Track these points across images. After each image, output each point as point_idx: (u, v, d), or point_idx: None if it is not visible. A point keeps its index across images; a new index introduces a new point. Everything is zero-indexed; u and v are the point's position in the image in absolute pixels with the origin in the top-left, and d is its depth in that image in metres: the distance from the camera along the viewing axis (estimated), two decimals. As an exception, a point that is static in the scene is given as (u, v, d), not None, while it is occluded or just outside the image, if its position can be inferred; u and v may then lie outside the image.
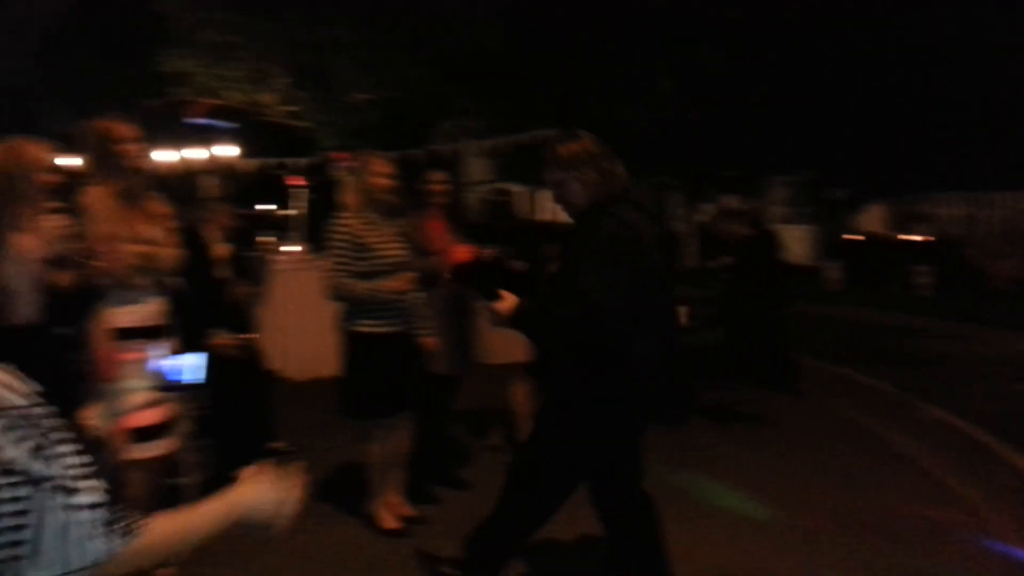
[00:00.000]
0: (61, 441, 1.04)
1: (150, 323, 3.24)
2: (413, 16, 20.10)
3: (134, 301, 3.21)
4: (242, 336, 4.25)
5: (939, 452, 5.49)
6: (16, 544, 0.99)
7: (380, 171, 3.91)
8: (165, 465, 3.54)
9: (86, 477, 1.05)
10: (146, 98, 15.47)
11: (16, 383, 1.06)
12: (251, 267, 6.07)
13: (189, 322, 3.48)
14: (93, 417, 3.01)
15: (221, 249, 5.26)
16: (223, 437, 4.22)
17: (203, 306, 3.97)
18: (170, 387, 1.52)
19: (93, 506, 1.05)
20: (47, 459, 1.01)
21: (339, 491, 4.47)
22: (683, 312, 6.00)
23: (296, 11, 19.87)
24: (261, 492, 1.41)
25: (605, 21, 16.82)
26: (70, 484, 1.03)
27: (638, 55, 16.50)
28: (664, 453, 5.34)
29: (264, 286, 6.94)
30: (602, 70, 17.01)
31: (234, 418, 4.17)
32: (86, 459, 1.07)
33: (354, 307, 3.90)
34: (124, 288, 3.17)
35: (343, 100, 21.45)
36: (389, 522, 4.00)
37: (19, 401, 1.04)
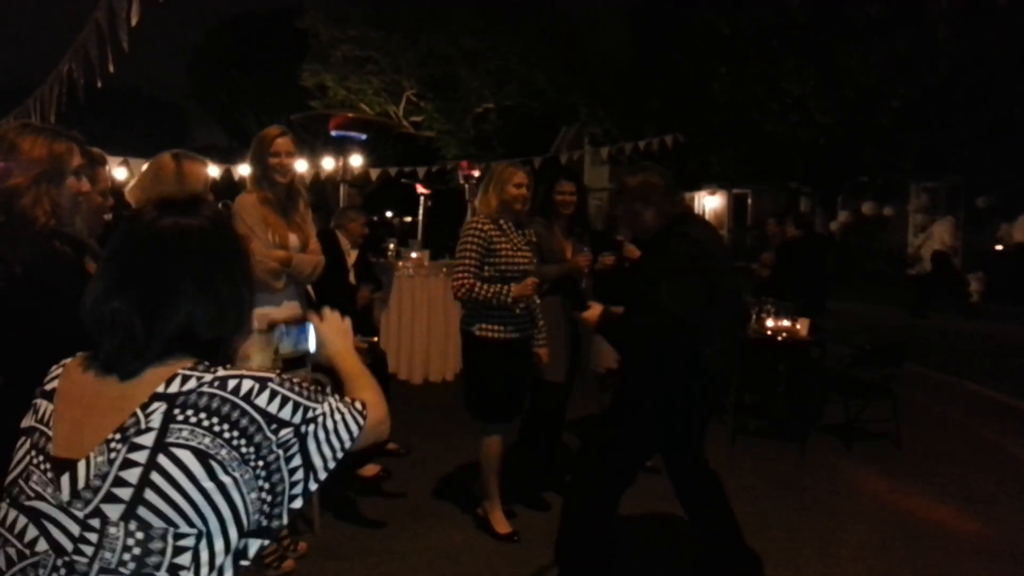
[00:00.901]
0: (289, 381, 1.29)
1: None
2: (539, 25, 20.32)
3: (273, 304, 3.43)
4: (367, 339, 4.44)
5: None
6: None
7: (515, 180, 3.99)
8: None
9: (314, 392, 1.30)
10: (287, 110, 16.31)
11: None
12: (377, 273, 6.34)
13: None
14: None
15: (351, 255, 5.52)
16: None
17: (338, 311, 4.18)
18: (290, 353, 1.69)
19: (332, 409, 1.31)
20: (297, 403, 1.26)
21: (452, 494, 4.59)
22: (804, 324, 5.85)
23: (427, 23, 20.46)
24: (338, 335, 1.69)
25: (735, 23, 16.43)
26: (313, 404, 1.28)
27: (764, 59, 16.01)
28: (786, 471, 5.22)
29: (388, 291, 7.22)
30: (729, 75, 16.61)
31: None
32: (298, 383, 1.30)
33: (475, 311, 3.99)
34: (264, 291, 3.39)
35: (468, 109, 21.92)
36: (502, 526, 4.06)
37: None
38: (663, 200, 3.25)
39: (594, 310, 3.32)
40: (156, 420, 1.16)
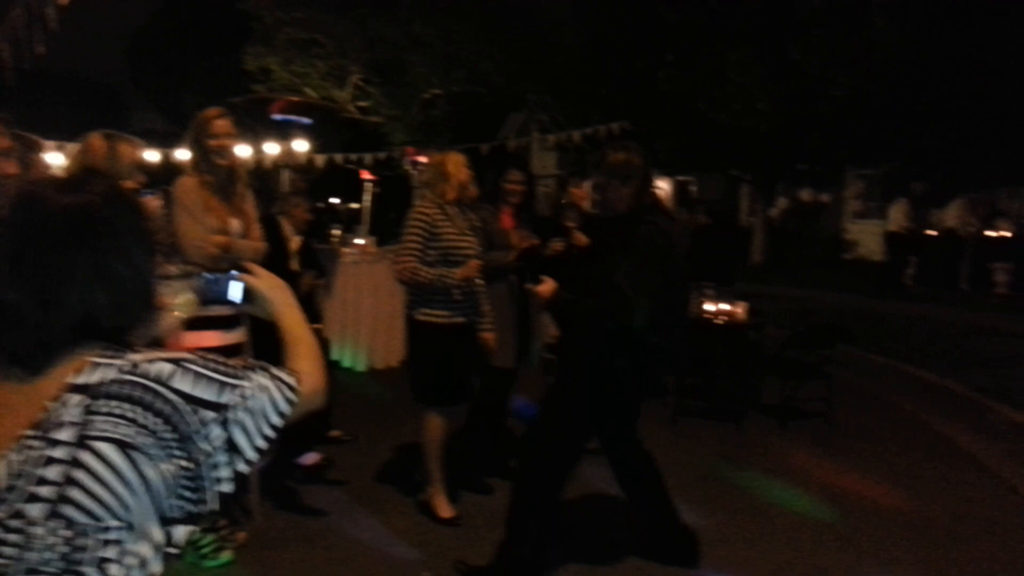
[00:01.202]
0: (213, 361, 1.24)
1: (224, 312, 3.40)
2: (488, 12, 20.23)
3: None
4: (311, 326, 4.41)
5: (1010, 455, 5.32)
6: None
7: (459, 166, 4.05)
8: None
9: (238, 369, 1.25)
10: (229, 94, 16.00)
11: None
12: (322, 260, 6.28)
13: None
14: None
15: (294, 242, 5.46)
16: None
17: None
18: (213, 301, 1.63)
19: (258, 386, 1.25)
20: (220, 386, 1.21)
21: (397, 480, 4.61)
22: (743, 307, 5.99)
23: (373, 8, 20.20)
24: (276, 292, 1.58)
25: (679, 14, 16.63)
26: (240, 384, 1.23)
27: (710, 49, 16.24)
28: (724, 450, 5.35)
29: (332, 278, 7.16)
30: (674, 65, 16.81)
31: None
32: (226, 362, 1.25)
33: (417, 296, 4.02)
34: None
35: (415, 95, 21.74)
36: (446, 511, 4.09)
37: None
38: (642, 182, 3.29)
39: (548, 284, 3.32)
40: (74, 413, 1.11)
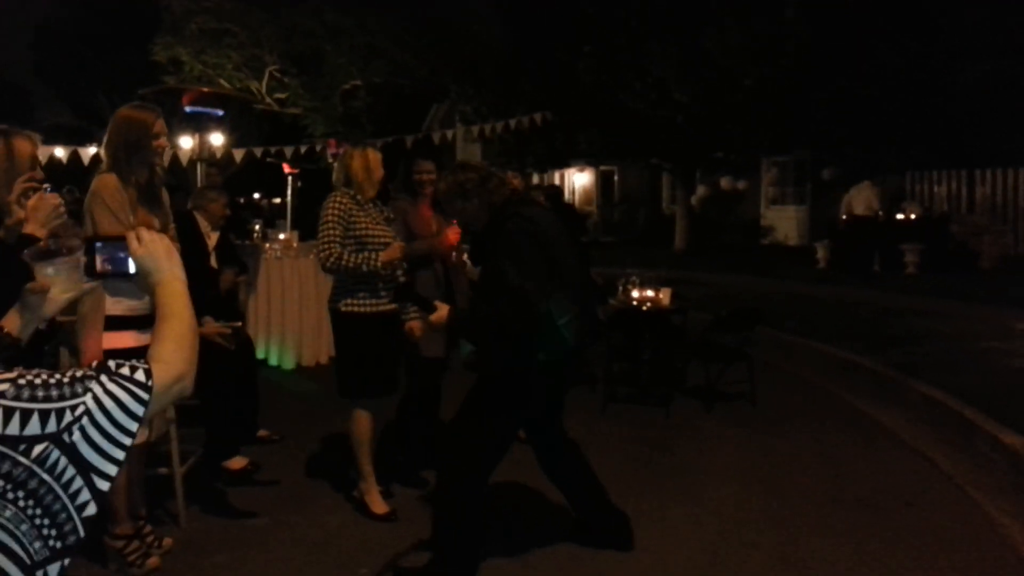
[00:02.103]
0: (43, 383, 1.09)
1: (140, 312, 3.28)
2: (405, 2, 20.02)
3: (127, 291, 3.24)
4: (231, 324, 4.29)
5: (926, 429, 5.56)
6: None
7: (371, 160, 4.05)
8: (145, 453, 3.59)
9: (70, 383, 1.11)
10: (139, 87, 15.41)
11: None
12: (243, 255, 6.12)
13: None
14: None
15: (212, 238, 5.30)
16: (210, 425, 4.27)
17: (195, 295, 4.01)
18: (113, 274, 1.47)
19: (100, 394, 1.12)
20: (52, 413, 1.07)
21: (328, 478, 4.53)
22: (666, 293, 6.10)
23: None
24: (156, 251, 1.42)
25: (597, 5, 16.79)
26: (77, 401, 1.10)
27: (629, 38, 16.45)
28: (653, 434, 5.44)
29: (255, 274, 6.99)
30: (593, 54, 16.97)
31: (221, 406, 4.22)
32: (61, 376, 1.12)
33: (340, 288, 4.01)
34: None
35: (334, 86, 21.38)
36: (379, 507, 4.04)
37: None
38: (481, 190, 3.36)
39: (441, 311, 3.36)
40: None
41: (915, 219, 14.36)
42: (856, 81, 14.95)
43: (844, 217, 15.00)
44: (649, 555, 3.64)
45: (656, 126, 17.10)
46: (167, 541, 3.60)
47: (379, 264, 3.89)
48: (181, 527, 3.83)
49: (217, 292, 5.01)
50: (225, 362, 4.04)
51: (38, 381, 1.08)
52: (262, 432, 5.11)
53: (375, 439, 4.32)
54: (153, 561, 3.43)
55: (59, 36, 27.12)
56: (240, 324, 4.84)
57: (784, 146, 18.41)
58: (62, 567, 1.09)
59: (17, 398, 1.05)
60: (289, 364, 7.27)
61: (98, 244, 1.44)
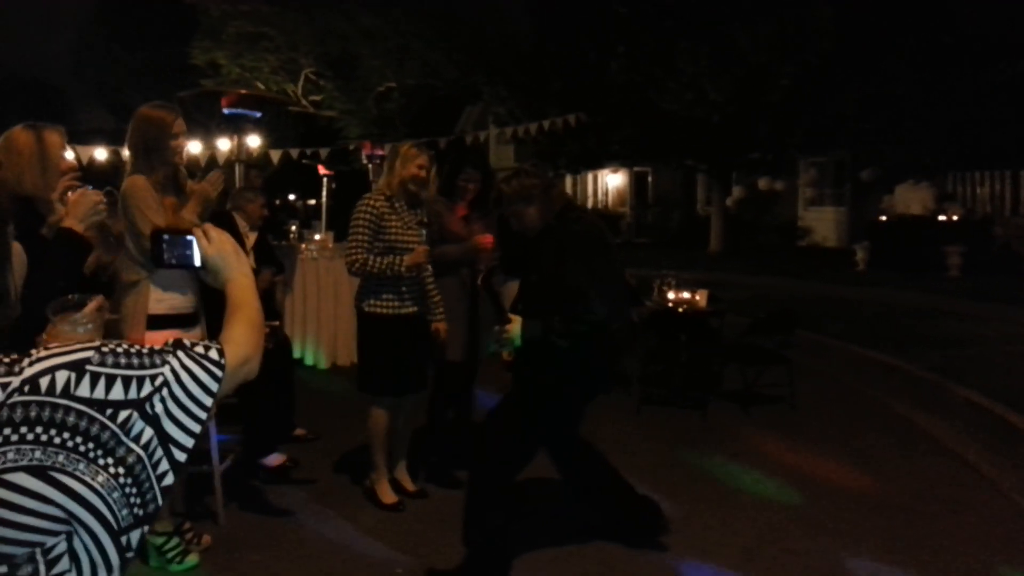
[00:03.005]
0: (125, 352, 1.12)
1: (183, 311, 3.32)
2: (437, 4, 20.10)
3: (175, 289, 3.30)
4: (269, 324, 4.33)
5: (968, 434, 5.44)
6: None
7: (418, 161, 4.04)
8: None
9: (150, 355, 1.14)
10: (178, 90, 15.65)
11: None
12: (280, 256, 6.18)
13: (220, 310, 3.56)
14: None
15: (250, 238, 5.36)
16: (248, 423, 4.32)
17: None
18: (176, 266, 1.51)
19: (178, 368, 1.15)
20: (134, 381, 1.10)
21: (363, 477, 4.54)
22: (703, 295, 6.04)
23: (322, 0, 19.96)
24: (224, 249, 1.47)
25: (629, 5, 16.71)
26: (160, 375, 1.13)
27: (660, 39, 16.34)
28: (689, 437, 5.39)
29: (291, 274, 7.05)
30: (626, 56, 16.88)
31: (259, 405, 4.26)
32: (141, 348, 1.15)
33: (366, 287, 4.06)
34: (158, 277, 3.25)
35: (368, 88, 21.53)
36: (388, 497, 4.13)
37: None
38: (543, 196, 3.42)
39: (514, 323, 3.30)
40: None
41: (957, 220, 14.08)
42: (890, 78, 14.71)
43: (883, 218, 14.77)
44: (683, 560, 3.61)
45: (691, 126, 16.96)
46: (206, 539, 3.64)
47: (403, 268, 3.92)
48: (220, 525, 3.87)
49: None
50: (263, 361, 4.07)
51: (120, 350, 1.12)
52: (298, 431, 5.16)
53: (408, 438, 4.35)
54: (192, 557, 3.47)
55: (98, 39, 27.60)
56: (278, 323, 4.89)
57: (822, 146, 18.17)
58: (142, 535, 1.12)
59: (102, 364, 1.08)
60: (324, 364, 7.33)
61: (165, 236, 1.48)
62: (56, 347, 1.09)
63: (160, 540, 3.41)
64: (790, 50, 15.06)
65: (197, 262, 1.46)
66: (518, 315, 3.34)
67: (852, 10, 14.93)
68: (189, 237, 1.46)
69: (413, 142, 4.38)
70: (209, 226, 1.48)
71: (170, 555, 3.42)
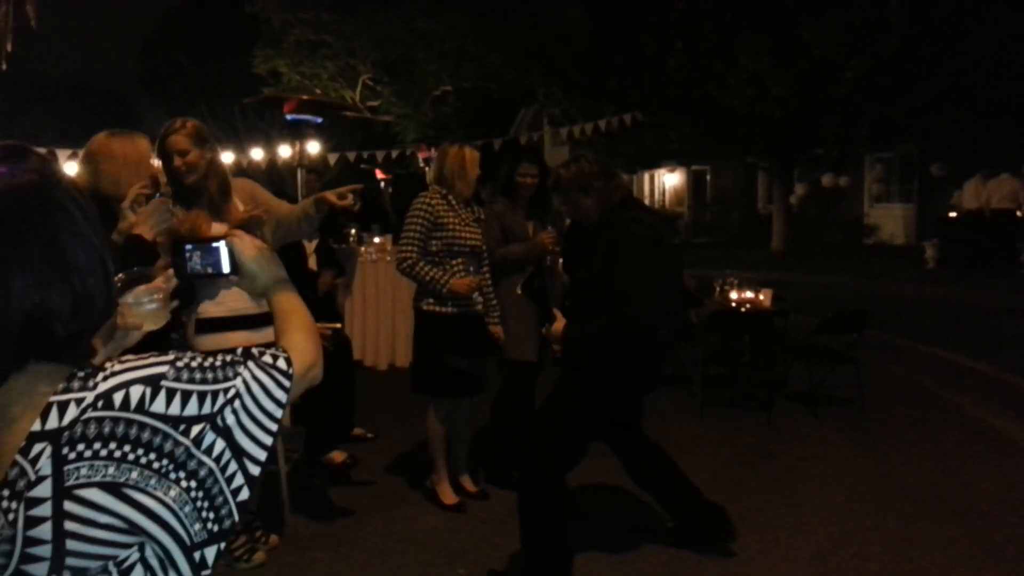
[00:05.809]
0: (200, 363, 1.11)
1: (244, 312, 3.35)
2: (494, 5, 20.15)
3: (230, 293, 3.33)
4: (329, 326, 4.37)
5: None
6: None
7: (467, 159, 4.04)
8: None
9: (222, 367, 1.12)
10: (240, 98, 16.02)
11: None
12: (340, 259, 6.25)
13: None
14: None
15: (312, 241, 5.43)
16: (310, 424, 4.37)
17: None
18: (203, 275, 1.49)
19: (249, 379, 1.13)
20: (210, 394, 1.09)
21: (422, 478, 4.55)
22: (767, 294, 5.91)
23: (380, 5, 20.19)
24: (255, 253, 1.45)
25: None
26: (228, 385, 1.11)
27: (719, 33, 16.07)
28: (754, 439, 5.27)
29: (351, 277, 7.13)
30: (684, 51, 16.65)
31: (321, 406, 4.30)
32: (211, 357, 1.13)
33: (423, 286, 4.05)
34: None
35: (425, 92, 21.70)
36: (449, 497, 4.14)
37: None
38: (602, 187, 3.32)
39: (558, 323, 3.25)
40: (45, 466, 0.98)
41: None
42: (961, 70, 14.21)
43: (953, 214, 14.27)
44: (751, 566, 3.52)
45: (751, 122, 16.65)
46: (273, 539, 3.69)
47: (445, 290, 3.88)
48: (286, 524, 3.92)
49: (316, 294, 5.12)
50: (325, 362, 4.12)
51: (194, 364, 1.10)
52: (357, 430, 5.20)
53: (468, 440, 4.35)
54: (259, 556, 3.52)
55: (162, 48, 28.40)
56: (339, 325, 4.93)
57: (888, 141, 17.65)
58: (218, 551, 1.09)
59: (177, 379, 1.07)
60: (383, 365, 7.40)
61: (188, 247, 1.44)
62: (130, 360, 1.08)
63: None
64: (856, 43, 14.65)
65: (226, 268, 1.42)
66: (565, 313, 3.29)
67: (920, 1, 14.46)
68: (215, 244, 1.42)
69: (457, 143, 4.35)
70: (240, 232, 1.45)
71: (237, 553, 3.47)
